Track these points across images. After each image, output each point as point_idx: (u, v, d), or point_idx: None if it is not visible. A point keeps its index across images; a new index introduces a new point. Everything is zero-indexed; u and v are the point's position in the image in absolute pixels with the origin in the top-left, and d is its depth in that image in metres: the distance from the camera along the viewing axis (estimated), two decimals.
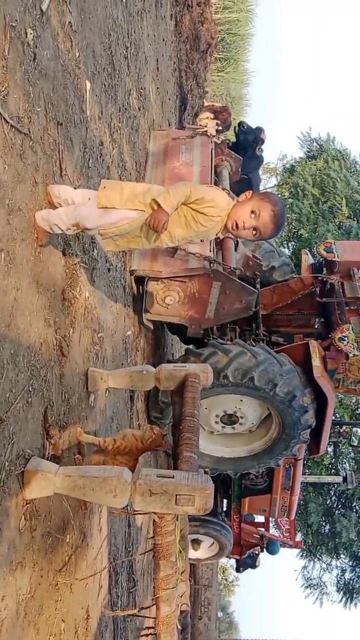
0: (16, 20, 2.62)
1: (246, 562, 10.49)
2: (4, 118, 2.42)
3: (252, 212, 3.16)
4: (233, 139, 10.18)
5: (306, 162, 18.52)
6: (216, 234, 3.38)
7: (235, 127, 9.85)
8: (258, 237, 3.26)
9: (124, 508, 2.53)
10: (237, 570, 11.14)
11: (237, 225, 3.19)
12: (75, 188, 3.50)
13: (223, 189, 6.43)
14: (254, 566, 10.59)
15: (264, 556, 10.02)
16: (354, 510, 16.53)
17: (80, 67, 3.85)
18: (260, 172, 11.51)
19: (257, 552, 10.17)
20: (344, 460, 16.70)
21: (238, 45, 24.44)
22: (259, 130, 9.74)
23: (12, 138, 2.52)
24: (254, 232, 3.20)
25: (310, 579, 18.33)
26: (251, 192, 3.28)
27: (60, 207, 3.07)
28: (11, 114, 2.51)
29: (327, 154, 17.95)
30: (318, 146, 19.10)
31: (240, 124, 9.82)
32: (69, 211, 3.00)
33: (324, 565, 18.01)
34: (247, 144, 9.54)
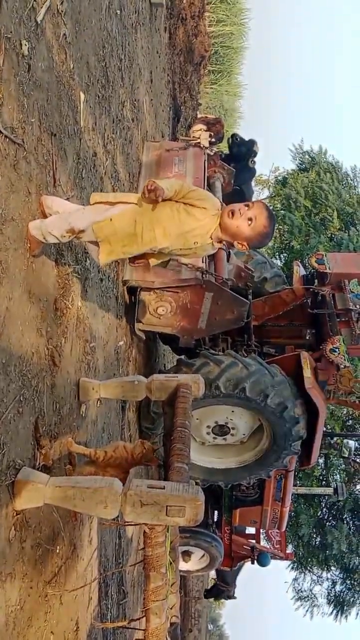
0: (11, 32, 2.63)
1: (216, 592, 10.56)
2: None
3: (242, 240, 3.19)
4: (226, 150, 10.24)
5: (298, 174, 18.60)
6: (211, 244, 3.33)
7: (228, 139, 9.92)
8: (251, 236, 3.20)
9: (114, 519, 2.52)
10: (206, 596, 11.18)
11: (232, 213, 3.15)
12: (67, 199, 3.52)
13: None
14: (227, 597, 10.66)
15: (253, 569, 9.98)
16: (345, 522, 16.50)
17: (75, 79, 3.87)
18: (253, 183, 11.58)
19: (225, 587, 10.27)
20: (335, 471, 16.66)
21: (231, 58, 24.64)
22: (252, 142, 9.82)
23: (5, 148, 2.54)
24: (249, 221, 3.15)
25: (301, 591, 18.23)
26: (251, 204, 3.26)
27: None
28: (5, 125, 2.53)
29: (319, 166, 18.04)
30: (310, 158, 19.18)
31: (234, 136, 9.89)
32: (63, 217, 3.01)
33: (314, 577, 17.93)
34: (241, 156, 9.61)
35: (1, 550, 2.35)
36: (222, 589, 10.34)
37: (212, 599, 11.13)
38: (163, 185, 2.95)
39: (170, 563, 2.67)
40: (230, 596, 10.61)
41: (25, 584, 2.61)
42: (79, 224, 3.03)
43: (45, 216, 3.05)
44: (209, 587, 11.01)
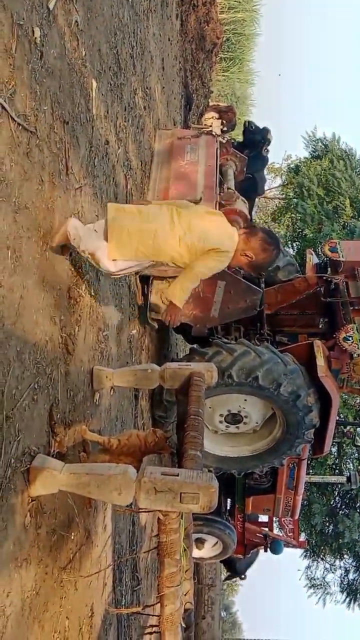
0: (23, 19, 2.63)
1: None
2: (10, 116, 2.43)
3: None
4: (239, 138, 10.18)
5: (311, 162, 18.44)
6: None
7: (244, 125, 9.84)
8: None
9: (128, 506, 2.53)
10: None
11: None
12: (80, 187, 3.52)
13: (228, 189, 6.46)
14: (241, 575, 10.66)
15: (266, 557, 10.00)
16: (358, 510, 16.48)
17: (87, 66, 3.86)
18: (265, 172, 11.50)
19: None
20: (348, 460, 16.65)
21: (243, 45, 24.43)
22: (266, 130, 9.74)
23: (18, 136, 2.53)
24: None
25: (314, 579, 18.29)
26: (252, 255, 3.49)
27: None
28: (18, 112, 2.52)
29: (332, 153, 17.87)
30: (323, 146, 19.01)
31: (249, 123, 9.80)
32: (94, 241, 3.18)
33: (327, 566, 17.97)
34: (254, 144, 9.53)
35: (17, 536, 2.37)
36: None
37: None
38: (181, 298, 3.62)
39: (185, 550, 2.68)
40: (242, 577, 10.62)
41: (41, 569, 2.63)
42: (100, 264, 3.27)
43: (66, 249, 3.20)
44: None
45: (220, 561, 10.51)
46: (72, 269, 3.41)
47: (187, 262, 3.42)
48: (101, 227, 3.23)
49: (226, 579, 11.44)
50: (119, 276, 3.64)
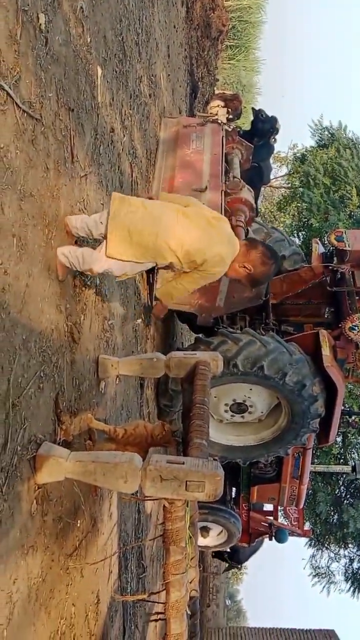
0: (28, 5, 2.60)
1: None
2: (16, 103, 2.41)
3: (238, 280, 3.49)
4: (244, 127, 10.12)
5: (317, 150, 18.33)
6: None
7: (255, 113, 9.77)
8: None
9: (134, 494, 2.54)
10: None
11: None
12: (85, 175, 3.50)
13: (234, 178, 6.42)
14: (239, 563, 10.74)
15: (271, 545, 10.04)
16: None
17: (92, 53, 3.83)
18: (271, 161, 11.44)
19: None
20: (353, 450, 16.65)
21: (249, 32, 24.27)
22: (275, 119, 9.68)
23: (23, 123, 2.52)
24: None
25: (318, 568, 18.36)
26: (251, 267, 3.41)
27: (79, 236, 3.20)
28: (23, 99, 2.51)
29: (338, 142, 17.74)
30: (329, 135, 18.88)
31: (260, 112, 9.73)
32: (86, 257, 3.10)
33: (332, 555, 18.03)
34: (264, 132, 9.48)
35: (23, 523, 2.38)
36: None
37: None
38: (170, 300, 3.59)
39: (190, 537, 2.69)
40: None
41: (47, 556, 2.65)
42: (99, 270, 3.19)
43: (71, 235, 3.17)
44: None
45: (218, 553, 10.59)
46: None
47: (184, 269, 3.36)
48: (104, 217, 3.18)
49: (225, 570, 11.51)
50: (122, 278, 3.58)
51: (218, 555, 10.90)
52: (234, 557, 10.52)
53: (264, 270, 3.40)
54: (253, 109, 10.07)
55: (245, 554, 10.45)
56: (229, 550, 10.28)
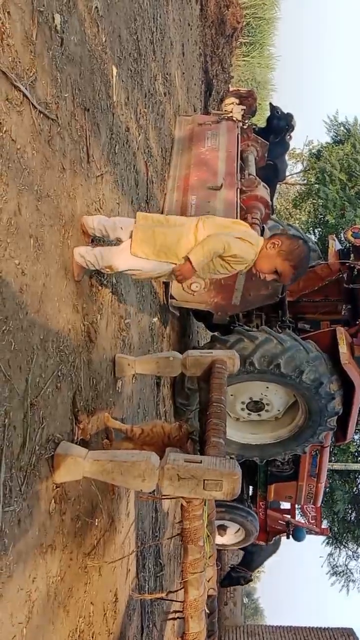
0: (43, 5, 2.61)
1: (231, 579, 10.60)
2: (32, 103, 2.42)
3: (275, 271, 3.27)
4: (260, 124, 10.10)
5: (333, 146, 18.24)
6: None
7: (270, 111, 9.77)
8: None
9: (151, 493, 2.54)
10: (222, 584, 11.16)
11: (260, 275, 3.35)
12: (101, 175, 3.51)
13: (249, 175, 6.40)
14: (244, 581, 10.70)
15: (287, 543, 10.02)
16: None
17: (107, 52, 3.83)
18: (286, 157, 11.40)
19: (243, 571, 10.33)
20: None
21: (263, 29, 24.19)
22: (290, 116, 9.67)
23: (40, 124, 2.53)
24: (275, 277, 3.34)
25: (337, 566, 18.31)
26: (279, 240, 3.25)
27: (95, 236, 3.22)
28: (39, 100, 2.51)
29: (354, 138, 17.66)
30: (345, 130, 18.79)
31: (275, 109, 9.71)
32: (105, 254, 3.11)
33: (350, 553, 17.96)
34: (279, 129, 9.47)
35: (42, 522, 2.39)
36: (237, 574, 10.45)
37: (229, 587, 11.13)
38: (200, 261, 3.14)
39: (208, 536, 2.69)
40: (247, 579, 10.68)
41: (65, 555, 2.66)
42: (119, 266, 3.19)
43: (87, 235, 3.18)
44: (222, 577, 11.02)
45: (228, 578, 10.54)
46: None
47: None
48: (125, 224, 3.22)
49: (231, 585, 11.40)
50: (139, 278, 3.58)
51: (228, 581, 10.84)
52: (248, 564, 10.52)
53: (298, 251, 3.23)
54: (271, 104, 10.06)
55: (259, 559, 10.44)
56: (244, 555, 10.29)
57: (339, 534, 17.47)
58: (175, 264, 3.20)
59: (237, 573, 10.40)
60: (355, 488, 16.98)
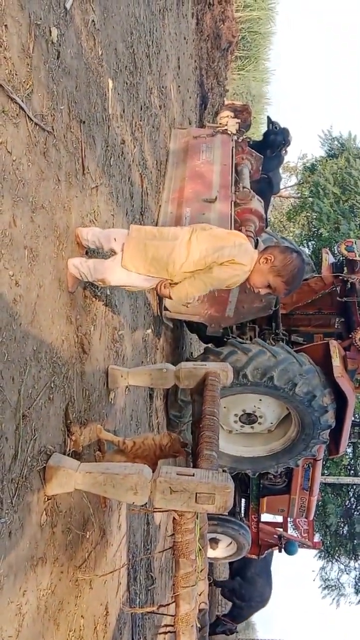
0: (40, 19, 2.63)
1: (215, 628, 10.60)
2: (28, 116, 2.43)
3: (268, 286, 3.22)
4: (255, 137, 10.17)
5: (327, 160, 18.37)
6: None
7: (268, 125, 9.84)
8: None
9: (143, 506, 2.53)
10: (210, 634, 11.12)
11: (253, 289, 3.32)
12: (96, 187, 3.52)
13: (244, 188, 6.43)
14: (230, 632, 10.73)
15: (280, 558, 9.99)
16: None
17: (103, 65, 3.86)
18: (280, 170, 11.48)
19: (228, 624, 10.36)
20: None
21: (259, 43, 24.42)
22: (287, 131, 9.75)
23: (35, 136, 2.54)
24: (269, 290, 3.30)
25: (329, 580, 18.24)
26: (272, 256, 3.18)
27: (89, 248, 3.24)
28: (35, 112, 2.53)
29: (348, 152, 17.79)
30: (339, 144, 18.93)
31: (274, 123, 9.79)
32: (97, 267, 3.11)
33: (342, 567, 17.90)
34: (275, 144, 9.54)
35: (33, 534, 2.38)
36: (224, 627, 10.51)
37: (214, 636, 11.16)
38: (180, 297, 3.24)
39: (200, 550, 2.67)
40: (232, 631, 10.77)
41: (56, 568, 2.64)
42: (111, 281, 3.19)
43: (81, 247, 3.19)
44: (212, 622, 10.97)
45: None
46: None
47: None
48: (118, 235, 3.21)
49: (215, 633, 11.36)
50: (133, 290, 3.58)
51: (212, 630, 10.75)
52: (234, 617, 10.58)
53: (291, 266, 3.16)
54: (269, 118, 10.12)
55: (246, 613, 10.51)
56: (232, 607, 10.33)
57: (331, 547, 17.41)
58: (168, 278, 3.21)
59: (224, 626, 10.53)
60: (347, 501, 16.95)
